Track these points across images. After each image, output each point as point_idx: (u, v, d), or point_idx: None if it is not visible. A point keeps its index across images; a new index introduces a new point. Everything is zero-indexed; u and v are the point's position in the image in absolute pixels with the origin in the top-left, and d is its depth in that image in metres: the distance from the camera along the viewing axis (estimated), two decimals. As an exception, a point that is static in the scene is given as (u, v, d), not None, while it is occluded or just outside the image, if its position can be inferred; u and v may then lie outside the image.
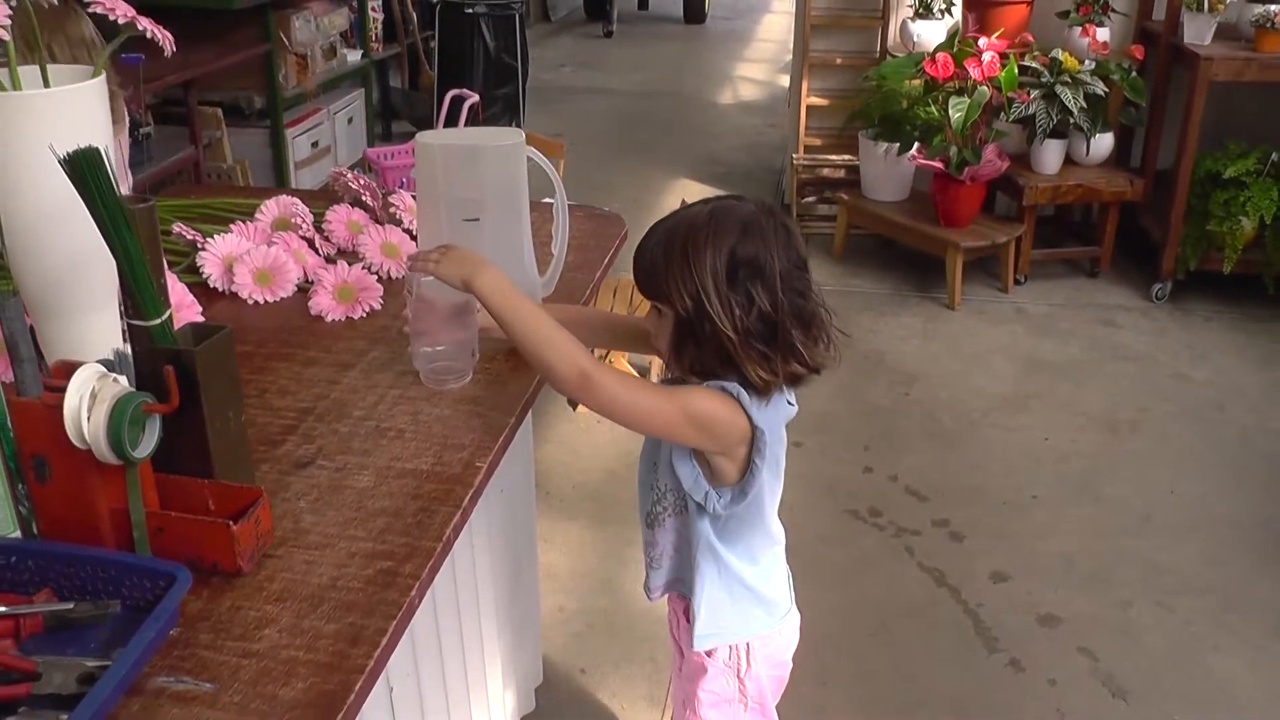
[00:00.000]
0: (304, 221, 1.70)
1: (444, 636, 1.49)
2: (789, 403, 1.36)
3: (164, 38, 1.15)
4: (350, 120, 5.26)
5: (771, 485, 1.40)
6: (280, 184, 4.46)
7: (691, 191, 5.24)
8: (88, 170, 0.95)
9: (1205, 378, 3.55)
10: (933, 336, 3.82)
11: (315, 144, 4.87)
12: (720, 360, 1.28)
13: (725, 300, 1.24)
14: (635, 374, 3.17)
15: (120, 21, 1.10)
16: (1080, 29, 4.08)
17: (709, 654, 1.49)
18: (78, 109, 1.07)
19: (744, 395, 1.28)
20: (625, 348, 2.49)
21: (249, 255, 1.59)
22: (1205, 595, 2.53)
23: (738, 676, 1.50)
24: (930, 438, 3.18)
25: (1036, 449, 3.13)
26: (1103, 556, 2.66)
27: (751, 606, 1.48)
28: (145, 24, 1.12)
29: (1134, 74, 4.00)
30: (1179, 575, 2.60)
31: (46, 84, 1.08)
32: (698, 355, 1.30)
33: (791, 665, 1.59)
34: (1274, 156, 3.84)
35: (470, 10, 5.66)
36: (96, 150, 0.96)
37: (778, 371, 1.27)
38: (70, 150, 0.95)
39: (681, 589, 1.53)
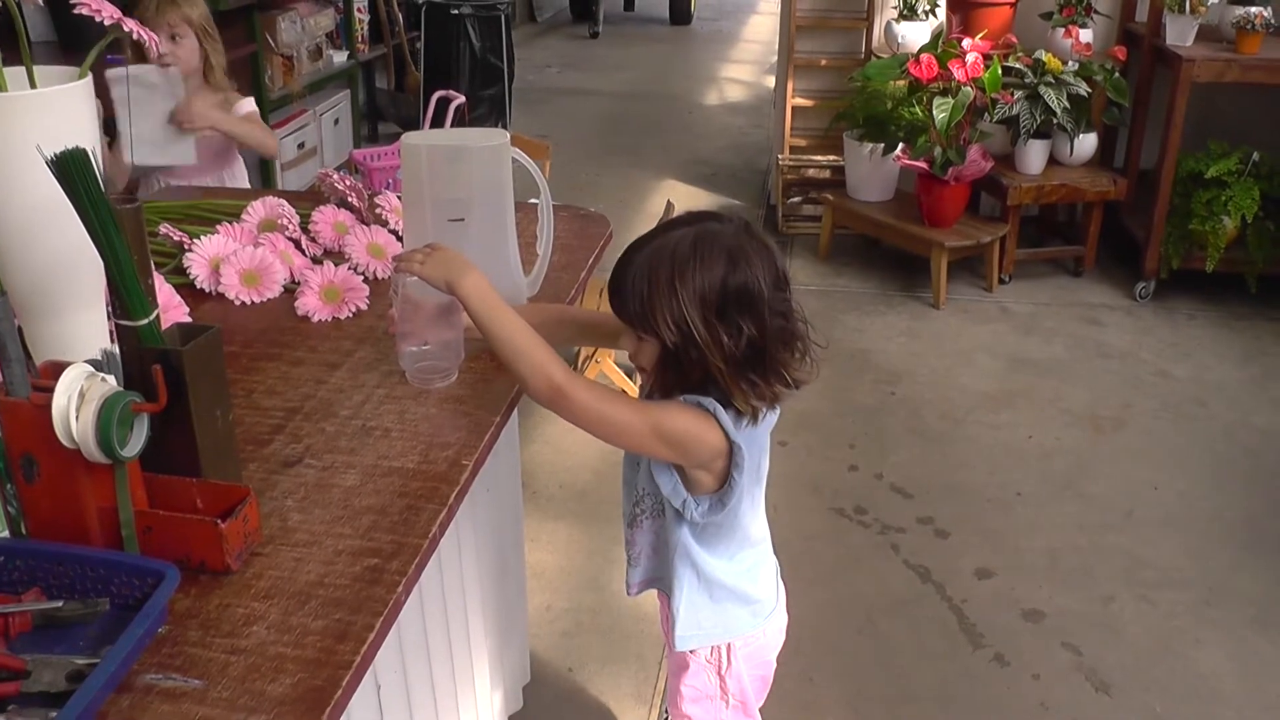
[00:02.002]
0: (290, 223, 1.71)
1: (431, 634, 1.50)
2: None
3: (150, 39, 1.15)
4: (336, 121, 5.26)
5: (752, 491, 1.39)
6: (266, 185, 4.45)
7: (677, 192, 5.25)
8: (75, 171, 0.96)
9: (1187, 375, 3.57)
10: (918, 335, 3.84)
11: (301, 145, 4.87)
12: (703, 378, 1.27)
13: (714, 331, 1.22)
14: (620, 373, 3.18)
15: (106, 23, 1.10)
16: (1063, 30, 4.10)
17: (691, 650, 1.50)
18: (65, 109, 1.07)
19: (720, 411, 1.27)
20: (610, 346, 2.50)
21: (235, 256, 1.60)
22: (1187, 589, 2.56)
23: (719, 674, 1.51)
24: (915, 436, 3.20)
25: (1020, 446, 3.15)
26: (1086, 552, 2.68)
27: (734, 607, 1.48)
28: (131, 25, 1.12)
29: (1117, 75, 4.03)
30: (1161, 570, 2.62)
31: (33, 84, 1.09)
32: (681, 379, 1.29)
33: (775, 665, 1.60)
34: (1255, 156, 3.87)
35: (456, 11, 5.66)
36: (84, 151, 0.96)
37: (765, 396, 1.27)
38: (58, 151, 0.96)
39: (660, 587, 1.54)
